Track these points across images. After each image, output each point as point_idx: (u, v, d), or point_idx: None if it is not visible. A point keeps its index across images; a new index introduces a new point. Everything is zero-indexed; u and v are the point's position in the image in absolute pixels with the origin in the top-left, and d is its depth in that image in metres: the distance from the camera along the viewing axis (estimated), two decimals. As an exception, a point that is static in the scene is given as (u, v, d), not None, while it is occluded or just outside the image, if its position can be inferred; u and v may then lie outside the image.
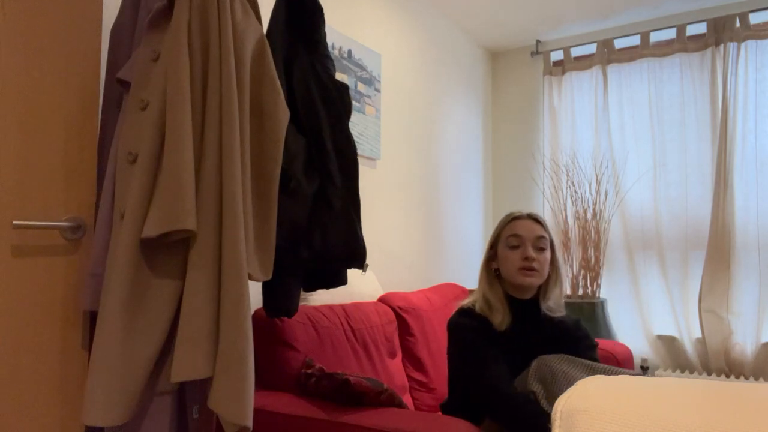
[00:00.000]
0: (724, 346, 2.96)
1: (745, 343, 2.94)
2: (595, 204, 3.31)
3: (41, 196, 1.15)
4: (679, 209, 3.17)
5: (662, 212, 3.21)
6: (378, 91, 2.65)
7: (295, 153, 1.38)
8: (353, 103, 2.43)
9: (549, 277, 1.64)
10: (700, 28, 3.21)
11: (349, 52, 2.47)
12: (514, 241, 1.61)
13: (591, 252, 3.23)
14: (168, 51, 1.14)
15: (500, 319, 1.58)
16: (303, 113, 1.44)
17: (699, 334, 3.07)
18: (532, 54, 3.72)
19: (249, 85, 1.20)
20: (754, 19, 3.06)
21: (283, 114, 1.24)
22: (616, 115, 3.37)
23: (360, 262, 1.49)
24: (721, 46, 3.07)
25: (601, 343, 2.33)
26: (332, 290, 2.02)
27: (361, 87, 2.53)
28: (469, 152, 3.60)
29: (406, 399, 2.09)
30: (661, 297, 3.20)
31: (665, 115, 3.24)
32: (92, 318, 1.23)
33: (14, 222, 1.08)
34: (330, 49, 2.30)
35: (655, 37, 3.33)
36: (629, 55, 3.35)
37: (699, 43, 3.16)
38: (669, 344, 3.20)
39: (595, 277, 3.20)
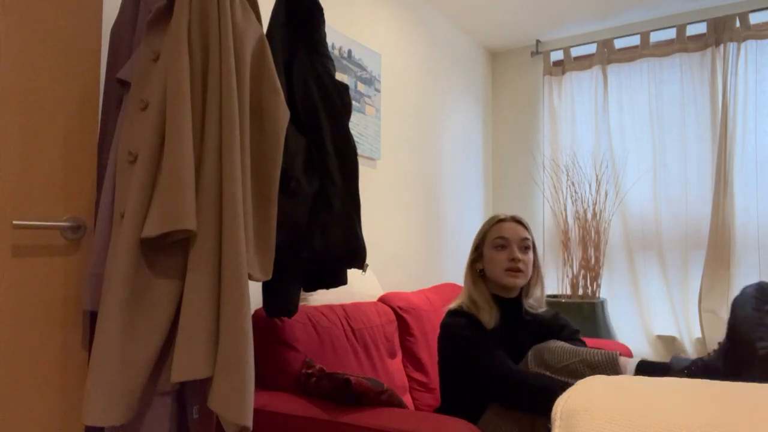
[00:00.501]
0: (724, 346, 2.96)
1: (745, 343, 2.94)
2: (595, 204, 3.31)
3: (41, 196, 1.15)
4: (679, 209, 3.17)
5: (662, 212, 3.21)
6: (378, 91, 2.65)
7: (295, 153, 1.38)
8: (353, 103, 2.43)
9: (531, 276, 1.71)
10: (700, 28, 3.21)
11: (349, 52, 2.47)
12: (500, 242, 1.67)
13: (591, 252, 3.23)
14: (168, 51, 1.14)
15: (488, 317, 1.64)
16: (303, 113, 1.44)
17: (699, 334, 3.07)
18: (532, 54, 3.72)
19: (249, 85, 1.20)
20: (754, 19, 3.06)
21: (283, 114, 1.24)
22: (616, 115, 3.37)
23: (360, 262, 1.49)
24: (721, 46, 3.07)
25: (601, 343, 2.33)
26: (332, 290, 2.02)
27: (361, 87, 2.53)
28: (469, 152, 3.60)
29: (406, 399, 2.09)
30: (661, 297, 3.20)
31: (665, 115, 3.24)
32: (92, 318, 1.23)
33: (14, 222, 1.08)
34: (330, 49, 2.30)
35: (655, 37, 3.33)
36: (629, 55, 3.35)
37: (699, 43, 3.15)
38: (669, 344, 3.20)
39: (595, 277, 3.20)
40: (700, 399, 0.77)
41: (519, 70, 3.82)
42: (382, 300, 2.27)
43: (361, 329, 1.97)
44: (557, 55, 3.66)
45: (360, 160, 2.53)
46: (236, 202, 1.11)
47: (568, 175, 3.46)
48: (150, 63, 1.17)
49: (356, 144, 1.71)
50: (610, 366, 1.45)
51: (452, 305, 1.73)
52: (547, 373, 1.47)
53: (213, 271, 1.10)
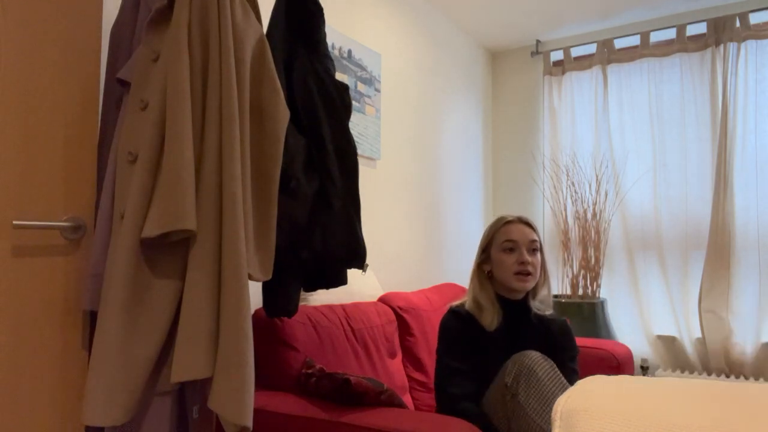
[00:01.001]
0: (724, 346, 2.96)
1: (745, 343, 2.94)
2: (595, 204, 3.31)
3: (41, 196, 1.15)
4: (679, 209, 3.17)
5: (662, 212, 3.21)
6: (378, 91, 2.65)
7: (295, 153, 1.38)
8: (353, 103, 2.43)
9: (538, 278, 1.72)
10: (700, 28, 3.21)
11: (349, 52, 2.47)
12: (509, 245, 1.67)
13: (591, 252, 3.23)
14: (168, 51, 1.14)
15: (490, 319, 1.65)
16: (303, 113, 1.44)
17: (699, 334, 3.07)
18: (532, 54, 3.72)
19: (249, 85, 1.20)
20: (754, 19, 3.06)
21: (283, 114, 1.24)
22: (616, 115, 3.37)
23: (360, 262, 1.49)
24: (721, 46, 3.07)
25: (601, 343, 2.33)
26: (332, 290, 2.02)
27: (361, 87, 2.53)
28: (469, 152, 3.60)
29: (406, 399, 2.09)
30: (661, 297, 3.20)
31: (665, 115, 3.24)
32: (92, 318, 1.23)
33: (14, 222, 1.08)
34: (330, 49, 2.30)
35: (655, 37, 3.33)
36: (629, 55, 3.35)
37: (699, 43, 3.16)
38: (669, 344, 3.20)
39: (595, 277, 3.20)
40: (700, 399, 0.77)
41: (519, 70, 3.82)
42: (382, 300, 2.27)
43: (361, 329, 1.97)
44: (557, 55, 3.66)
45: (360, 160, 2.53)
46: (236, 202, 1.11)
47: (568, 175, 3.46)
48: (150, 63, 1.17)
49: (356, 144, 1.71)
50: None
51: (456, 303, 1.75)
52: (515, 387, 1.42)
53: (213, 271, 1.10)
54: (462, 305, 1.72)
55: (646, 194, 3.27)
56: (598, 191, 3.34)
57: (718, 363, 2.98)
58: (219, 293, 1.10)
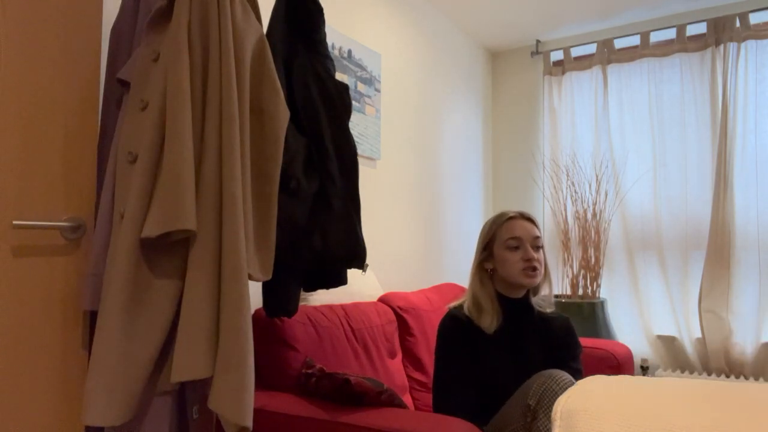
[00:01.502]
0: (724, 346, 2.96)
1: (745, 343, 2.94)
2: (595, 204, 3.31)
3: (41, 196, 1.15)
4: (679, 209, 3.17)
5: (662, 212, 3.21)
6: (378, 91, 2.65)
7: (295, 153, 1.38)
8: (353, 103, 2.43)
9: None
10: (700, 28, 3.21)
11: (349, 52, 2.47)
12: (513, 243, 1.63)
13: (591, 252, 3.23)
14: (168, 51, 1.14)
15: (489, 321, 1.62)
16: (303, 113, 1.44)
17: (699, 334, 3.07)
18: (532, 54, 3.72)
19: (249, 85, 1.20)
20: (754, 19, 3.06)
21: (283, 114, 1.24)
22: (616, 115, 3.37)
23: (360, 262, 1.49)
24: (721, 46, 3.07)
25: (601, 343, 2.33)
26: (332, 290, 2.02)
27: (361, 87, 2.53)
28: (469, 152, 3.60)
29: (406, 399, 2.09)
30: (661, 297, 3.20)
31: (665, 115, 3.24)
32: (92, 318, 1.23)
33: (14, 222, 1.08)
34: (330, 49, 2.30)
35: (655, 37, 3.33)
36: (629, 55, 3.35)
37: (699, 43, 3.16)
38: (669, 344, 3.20)
39: (595, 277, 3.20)
40: (700, 399, 0.77)
41: (519, 70, 3.82)
42: (382, 300, 2.27)
43: (361, 329, 1.97)
44: (557, 55, 3.66)
45: (360, 160, 2.53)
46: (236, 202, 1.11)
47: (568, 175, 3.46)
48: (150, 63, 1.17)
49: (356, 144, 1.71)
50: None
51: (454, 304, 1.71)
52: (539, 407, 1.38)
53: (213, 271, 1.10)
54: (460, 307, 1.68)
55: (646, 194, 3.27)
56: (598, 191, 3.34)
57: (718, 363, 2.98)
58: (219, 293, 1.10)
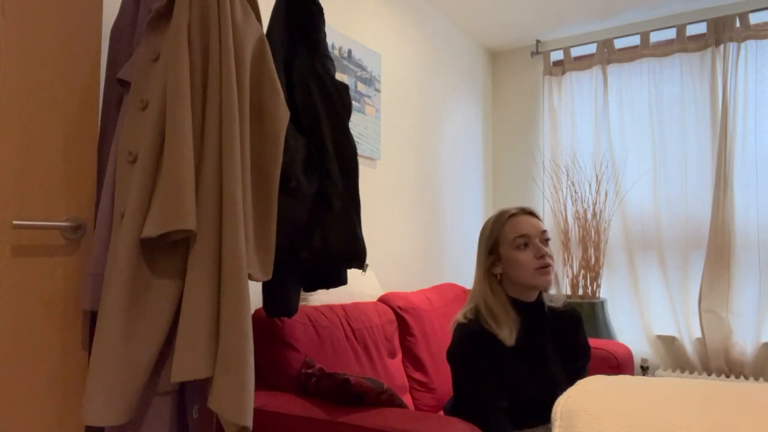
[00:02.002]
0: (724, 346, 2.96)
1: (745, 343, 2.94)
2: (595, 204, 3.31)
3: (41, 196, 1.15)
4: (679, 209, 3.17)
5: (662, 212, 3.21)
6: (378, 91, 2.65)
7: (294, 153, 1.38)
8: (353, 103, 2.43)
9: None
10: (700, 28, 3.21)
11: (349, 52, 2.47)
12: (521, 241, 1.51)
13: (591, 252, 3.23)
14: (168, 51, 1.14)
15: (507, 332, 1.48)
16: (303, 113, 1.44)
17: (699, 334, 3.07)
18: (532, 54, 3.72)
19: (249, 85, 1.20)
20: (754, 19, 3.06)
21: (283, 114, 1.24)
22: (616, 115, 3.37)
23: (360, 262, 1.49)
24: (721, 46, 3.07)
25: (601, 343, 2.33)
26: (332, 290, 2.02)
27: (361, 87, 2.53)
28: (469, 152, 3.60)
29: (406, 399, 2.09)
30: (661, 297, 3.20)
31: (665, 115, 3.24)
32: (92, 318, 1.23)
33: (14, 222, 1.08)
34: (330, 49, 2.30)
35: (655, 37, 3.33)
36: (629, 55, 3.35)
37: (699, 43, 3.16)
38: (669, 344, 3.20)
39: (595, 277, 3.20)
40: (700, 399, 0.77)
41: (519, 70, 3.82)
42: (382, 300, 2.27)
43: (361, 329, 1.97)
44: (557, 55, 3.66)
45: (360, 160, 2.53)
46: (236, 201, 1.11)
47: (568, 175, 3.46)
48: (150, 63, 1.17)
49: (356, 144, 1.71)
50: None
51: (465, 316, 1.53)
52: None
53: (213, 271, 1.10)
54: (473, 320, 1.52)
55: (646, 194, 3.27)
56: (598, 191, 3.34)
57: (718, 363, 2.98)
58: (219, 293, 1.10)
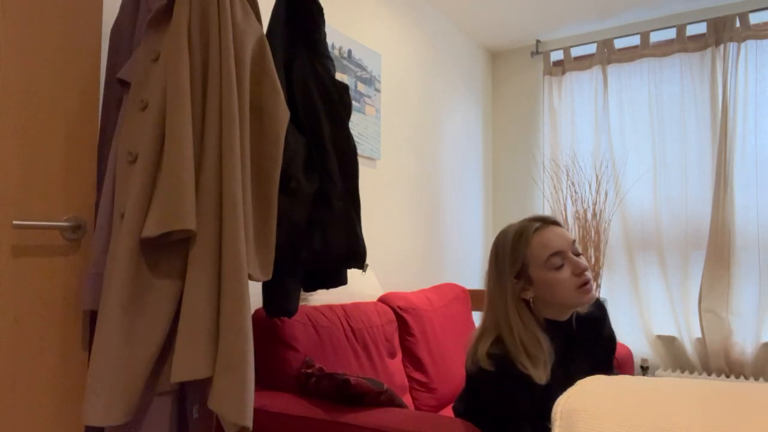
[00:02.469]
0: (724, 346, 2.96)
1: (745, 343, 2.94)
2: (595, 204, 3.31)
3: (41, 196, 1.15)
4: (679, 209, 3.17)
5: (662, 212, 3.21)
6: (378, 91, 2.65)
7: (294, 153, 1.38)
8: (353, 103, 2.43)
9: None
10: (700, 28, 3.21)
11: (349, 52, 2.47)
12: (557, 261, 1.33)
13: (591, 252, 3.23)
14: (168, 51, 1.14)
15: (542, 369, 1.29)
16: (303, 113, 1.44)
17: (699, 334, 3.07)
18: (532, 54, 3.72)
19: (249, 84, 1.20)
20: (754, 19, 3.06)
21: (283, 114, 1.24)
22: (616, 115, 3.37)
23: (360, 262, 1.49)
24: (721, 46, 3.07)
25: (601, 343, 2.33)
26: (332, 290, 2.02)
27: (361, 87, 2.53)
28: (469, 152, 3.60)
29: (406, 399, 2.09)
30: (661, 297, 3.20)
31: (665, 115, 3.24)
32: (92, 318, 1.23)
33: (14, 222, 1.08)
34: (330, 49, 2.30)
35: (655, 37, 3.33)
36: (629, 55, 3.35)
37: (699, 43, 3.16)
38: (669, 344, 3.20)
39: (595, 277, 3.20)
40: (701, 399, 0.77)
41: (519, 70, 3.82)
42: (382, 300, 2.27)
43: (361, 329, 1.97)
44: (557, 55, 3.66)
45: (360, 160, 2.53)
46: (236, 202, 1.11)
47: (568, 175, 3.46)
48: (150, 63, 1.17)
49: (356, 144, 1.71)
50: None
51: (490, 346, 1.32)
52: None
53: (213, 271, 1.10)
54: (502, 356, 1.29)
55: (646, 194, 3.27)
56: (598, 191, 3.34)
57: (718, 363, 2.98)
58: (219, 293, 1.10)
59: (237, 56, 1.17)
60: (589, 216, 3.29)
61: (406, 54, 2.95)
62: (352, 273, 2.18)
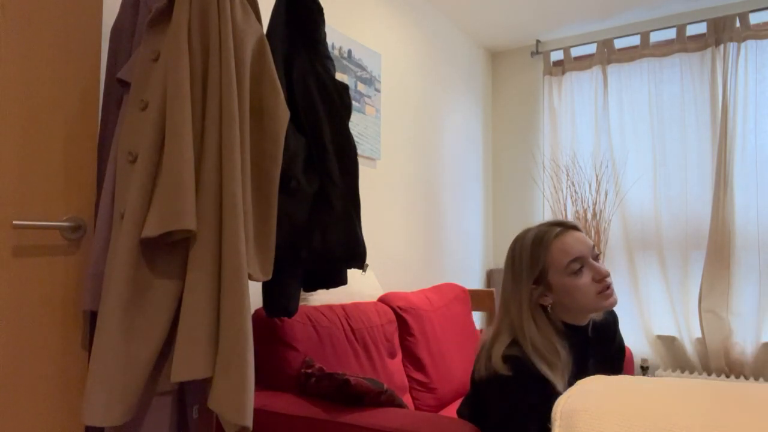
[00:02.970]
0: (724, 346, 2.96)
1: (745, 343, 2.94)
2: (595, 204, 3.31)
3: (41, 196, 1.15)
4: (679, 209, 3.17)
5: (662, 212, 3.21)
6: (378, 91, 2.65)
7: (294, 153, 1.38)
8: (353, 103, 2.43)
9: None
10: (700, 28, 3.21)
11: (349, 52, 2.47)
12: (577, 266, 1.31)
13: (591, 252, 3.23)
14: (168, 51, 1.14)
15: (560, 376, 1.27)
16: (303, 113, 1.44)
17: (699, 334, 3.07)
18: (532, 54, 3.72)
19: (249, 84, 1.20)
20: (754, 19, 3.06)
21: (283, 114, 1.24)
22: (616, 115, 3.37)
23: (360, 262, 1.49)
24: (721, 46, 3.07)
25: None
26: (332, 290, 2.02)
27: (361, 87, 2.53)
28: (469, 152, 3.60)
29: (406, 399, 2.09)
30: (661, 297, 3.20)
31: (665, 115, 3.24)
32: (92, 318, 1.23)
33: (14, 222, 1.08)
34: (330, 49, 2.30)
35: (655, 37, 3.33)
36: (629, 55, 3.35)
37: (699, 43, 3.16)
38: (669, 344, 3.20)
39: (595, 277, 3.20)
40: (701, 399, 0.77)
41: (519, 70, 3.82)
42: (382, 300, 2.27)
43: (361, 329, 1.97)
44: (557, 55, 3.66)
45: (360, 160, 2.53)
46: (236, 202, 1.11)
47: (568, 175, 3.46)
48: (150, 63, 1.17)
49: (356, 144, 1.70)
50: None
51: (506, 348, 1.29)
52: None
53: (213, 271, 1.10)
54: (521, 358, 1.26)
55: (646, 194, 3.27)
56: (598, 191, 3.34)
57: (718, 363, 2.98)
58: (219, 293, 1.10)
59: (237, 56, 1.17)
60: (589, 216, 3.29)
61: (406, 54, 2.95)
62: (352, 273, 2.18)
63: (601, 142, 3.38)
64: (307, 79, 1.45)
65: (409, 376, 2.16)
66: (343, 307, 1.99)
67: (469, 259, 3.52)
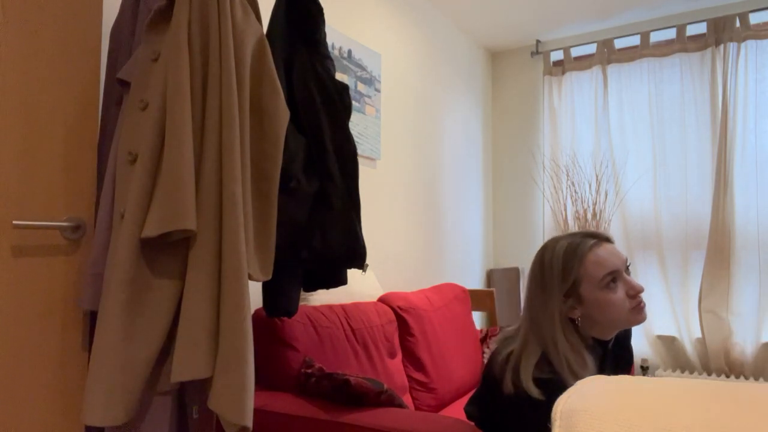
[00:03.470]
0: (724, 346, 2.96)
1: (745, 343, 2.94)
2: (595, 204, 3.31)
3: (41, 196, 1.15)
4: (679, 209, 3.17)
5: (662, 212, 3.21)
6: (378, 91, 2.65)
7: (294, 153, 1.38)
8: (353, 103, 2.43)
9: None
10: (700, 28, 3.21)
11: (349, 52, 2.47)
12: (610, 279, 1.27)
13: (591, 252, 3.23)
14: (168, 51, 1.14)
15: None
16: (303, 113, 1.44)
17: (699, 334, 3.07)
18: (532, 54, 3.72)
19: (249, 85, 1.20)
20: (754, 19, 3.06)
21: (283, 114, 1.24)
22: (616, 115, 3.37)
23: (360, 262, 1.49)
24: (721, 46, 3.07)
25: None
26: (332, 290, 2.02)
27: (361, 87, 2.53)
28: (469, 152, 3.60)
29: (406, 399, 2.09)
30: (661, 297, 3.20)
31: (665, 115, 3.24)
32: (92, 318, 1.23)
33: (14, 222, 1.08)
34: (330, 49, 2.30)
35: (655, 37, 3.33)
36: (629, 55, 3.35)
37: (699, 43, 3.16)
38: (669, 344, 3.20)
39: (595, 277, 3.20)
40: (701, 399, 0.77)
41: (519, 70, 3.82)
42: (382, 300, 2.27)
43: (361, 329, 1.97)
44: (557, 55, 3.66)
45: (360, 160, 2.53)
46: (236, 202, 1.11)
47: (568, 175, 3.46)
48: (150, 63, 1.17)
49: (356, 144, 1.70)
50: None
51: (535, 369, 1.23)
52: None
53: (213, 271, 1.10)
54: (552, 379, 1.22)
55: (646, 194, 3.27)
56: (598, 191, 3.34)
57: (718, 363, 2.98)
58: (219, 293, 1.10)
59: (237, 56, 1.17)
60: (589, 216, 3.29)
61: (405, 54, 2.95)
62: (352, 273, 2.18)
63: (601, 142, 3.38)
64: (307, 79, 1.45)
65: (409, 376, 2.16)
66: (343, 307, 1.99)
67: (469, 259, 3.52)
